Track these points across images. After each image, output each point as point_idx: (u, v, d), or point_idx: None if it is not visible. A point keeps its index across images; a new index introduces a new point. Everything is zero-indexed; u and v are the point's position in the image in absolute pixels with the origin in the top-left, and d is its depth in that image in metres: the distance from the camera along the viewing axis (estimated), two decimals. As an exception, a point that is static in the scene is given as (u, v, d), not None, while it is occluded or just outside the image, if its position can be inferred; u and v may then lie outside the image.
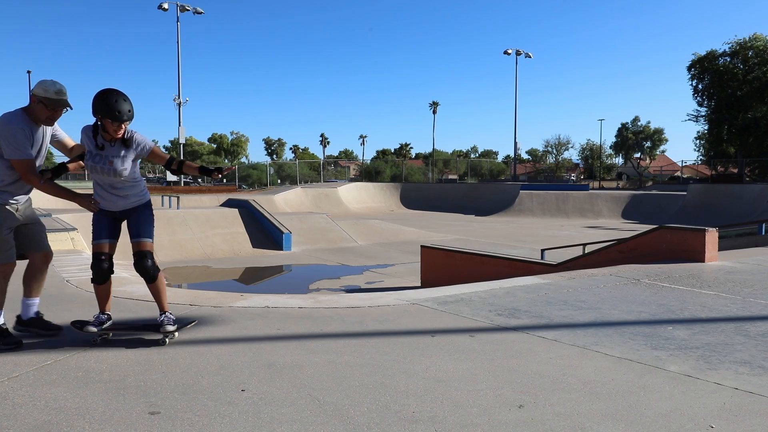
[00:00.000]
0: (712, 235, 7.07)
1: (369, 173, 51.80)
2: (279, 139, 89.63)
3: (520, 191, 33.93)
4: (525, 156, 73.22)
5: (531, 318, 4.31)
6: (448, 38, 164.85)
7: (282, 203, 25.06)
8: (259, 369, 3.11)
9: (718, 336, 3.78)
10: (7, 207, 3.49)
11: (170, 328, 3.59)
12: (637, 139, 56.98)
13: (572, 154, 62.64)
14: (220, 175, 3.77)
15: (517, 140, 49.04)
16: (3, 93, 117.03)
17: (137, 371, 3.06)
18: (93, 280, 3.62)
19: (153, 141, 3.69)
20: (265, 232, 17.54)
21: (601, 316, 4.39)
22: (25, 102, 3.78)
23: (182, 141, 36.88)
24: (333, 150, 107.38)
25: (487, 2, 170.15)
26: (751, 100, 39.24)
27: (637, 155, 58.64)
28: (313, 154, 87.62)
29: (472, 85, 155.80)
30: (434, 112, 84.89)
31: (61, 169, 3.74)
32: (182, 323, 3.77)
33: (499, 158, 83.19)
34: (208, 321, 4.19)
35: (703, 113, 43.24)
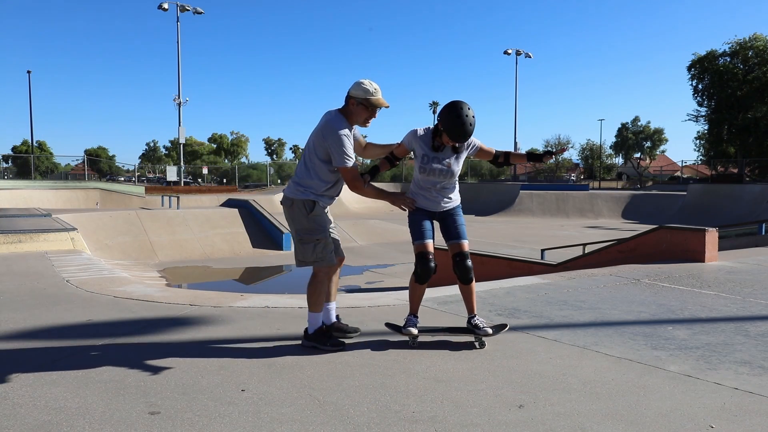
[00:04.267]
0: (712, 235, 7.07)
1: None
2: (279, 139, 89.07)
3: (520, 191, 33.95)
4: (525, 156, 73.08)
5: (531, 318, 4.31)
6: (448, 38, 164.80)
7: (282, 203, 24.96)
8: (259, 369, 3.11)
9: (718, 336, 3.78)
10: (326, 211, 3.49)
11: (489, 331, 3.51)
12: (637, 139, 56.96)
13: (572, 154, 62.40)
14: (551, 159, 3.63)
15: (517, 140, 49.03)
16: (3, 93, 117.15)
17: (137, 371, 3.06)
18: (418, 280, 3.50)
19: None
20: (265, 232, 17.55)
21: (601, 316, 4.39)
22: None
23: (182, 141, 36.92)
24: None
25: (486, 2, 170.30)
26: (751, 100, 39.23)
27: (637, 155, 58.64)
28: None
29: (472, 85, 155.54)
30: (434, 112, 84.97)
31: (375, 171, 3.69)
32: (498, 326, 3.66)
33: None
34: (208, 321, 4.19)
35: (703, 113, 43.24)
